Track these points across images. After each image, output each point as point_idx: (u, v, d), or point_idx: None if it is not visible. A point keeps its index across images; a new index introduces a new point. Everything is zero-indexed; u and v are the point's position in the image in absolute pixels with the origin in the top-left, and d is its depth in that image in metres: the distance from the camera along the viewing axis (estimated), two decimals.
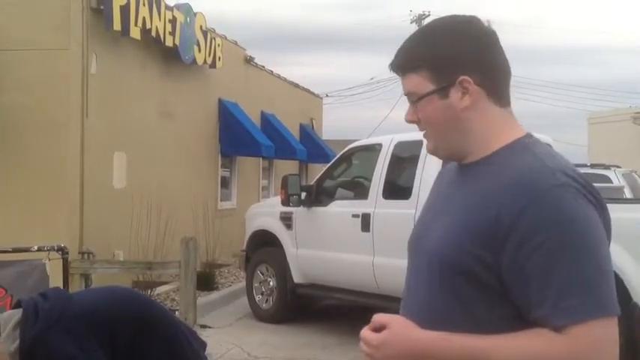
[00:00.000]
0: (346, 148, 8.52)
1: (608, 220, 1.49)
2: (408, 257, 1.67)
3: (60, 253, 4.05)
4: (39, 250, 4.01)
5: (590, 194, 1.44)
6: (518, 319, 1.42)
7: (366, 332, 1.52)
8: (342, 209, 7.79)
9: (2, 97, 8.62)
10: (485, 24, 1.58)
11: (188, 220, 10.70)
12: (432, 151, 1.64)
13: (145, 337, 2.49)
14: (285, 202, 8.17)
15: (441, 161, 6.69)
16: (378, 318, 1.51)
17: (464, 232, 1.47)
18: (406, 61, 1.60)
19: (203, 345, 2.72)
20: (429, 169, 7.02)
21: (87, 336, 2.35)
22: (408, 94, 1.61)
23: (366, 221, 7.37)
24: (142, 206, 9.41)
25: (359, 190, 7.97)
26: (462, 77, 1.53)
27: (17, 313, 2.37)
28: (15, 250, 4.05)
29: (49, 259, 4.06)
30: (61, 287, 4.39)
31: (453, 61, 1.54)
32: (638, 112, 20.26)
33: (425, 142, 1.65)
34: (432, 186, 1.77)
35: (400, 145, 7.57)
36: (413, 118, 1.62)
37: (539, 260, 1.38)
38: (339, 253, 7.64)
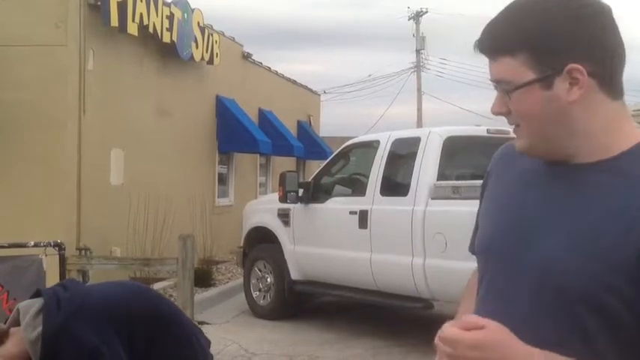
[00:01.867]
0: (344, 145, 8.52)
1: None
2: (491, 265, 1.42)
3: (56, 248, 4.04)
4: (35, 245, 4.00)
5: None
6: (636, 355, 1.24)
7: (453, 330, 1.23)
8: (339, 206, 7.79)
9: (3, 92, 8.61)
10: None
11: (185, 217, 10.70)
12: (525, 149, 1.36)
13: (160, 332, 2.51)
14: (283, 199, 8.16)
15: (438, 157, 6.55)
16: (472, 318, 1.26)
17: (595, 252, 1.23)
18: (500, 41, 1.32)
19: (208, 342, 2.74)
20: (426, 166, 7.03)
21: (107, 328, 2.36)
22: (499, 82, 1.34)
23: (363, 218, 7.37)
24: (140, 203, 9.41)
25: (356, 186, 7.97)
26: (571, 65, 1.27)
27: (36, 302, 2.36)
28: (11, 246, 4.05)
29: (46, 255, 4.05)
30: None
31: (562, 44, 1.28)
32: (636, 110, 20.27)
33: (513, 137, 1.40)
34: (491, 173, 1.53)
35: (398, 142, 7.57)
36: (502, 110, 1.35)
37: None
38: (336, 249, 7.64)
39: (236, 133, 13.34)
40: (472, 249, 1.58)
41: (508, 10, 1.33)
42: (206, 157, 13.13)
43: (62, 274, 4.28)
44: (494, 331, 1.22)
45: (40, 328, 2.30)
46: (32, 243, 3.98)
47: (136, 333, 2.43)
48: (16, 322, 2.39)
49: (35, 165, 8.57)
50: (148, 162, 10.44)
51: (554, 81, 1.28)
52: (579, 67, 1.27)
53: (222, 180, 14.21)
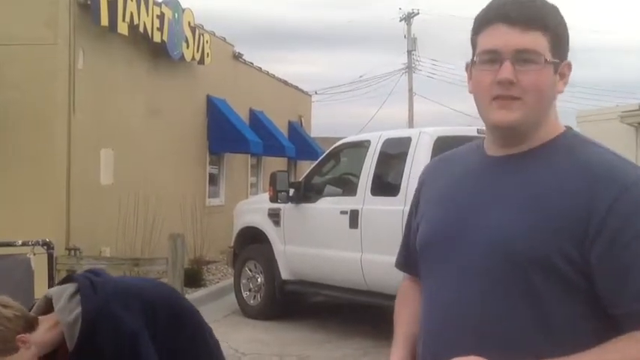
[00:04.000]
0: (334, 145, 8.52)
1: None
2: (435, 257, 1.52)
3: (45, 248, 3.99)
4: (23, 244, 3.96)
5: None
6: (596, 318, 1.35)
7: None
8: (330, 206, 7.78)
9: None
10: None
11: (176, 217, 10.66)
12: (514, 122, 1.43)
13: (180, 327, 2.53)
14: (274, 199, 8.15)
15: (429, 157, 6.63)
16: None
17: (542, 220, 1.36)
18: (538, 18, 1.43)
19: (217, 344, 2.76)
20: (417, 166, 7.02)
21: (138, 314, 2.36)
22: (526, 51, 1.41)
23: (354, 218, 7.36)
24: (130, 203, 9.37)
25: (347, 186, 7.96)
26: (567, 61, 1.48)
27: (68, 287, 2.36)
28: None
29: (35, 254, 4.00)
30: (46, 283, 4.35)
31: (567, 43, 1.48)
32: (625, 111, 20.38)
33: (496, 113, 1.45)
34: (423, 183, 1.67)
35: (388, 142, 7.57)
36: (512, 77, 1.41)
37: (636, 249, 1.31)
38: (327, 249, 7.63)
39: (227, 133, 13.31)
40: (400, 263, 1.74)
41: (540, 1, 1.46)
42: (197, 157, 13.09)
43: (51, 274, 4.25)
44: None
45: (78, 310, 2.29)
46: (20, 242, 3.93)
47: (160, 324, 2.45)
48: (42, 312, 2.38)
49: (24, 164, 8.52)
50: (139, 162, 10.40)
51: (557, 69, 1.45)
52: (571, 65, 1.47)
53: (213, 180, 14.18)
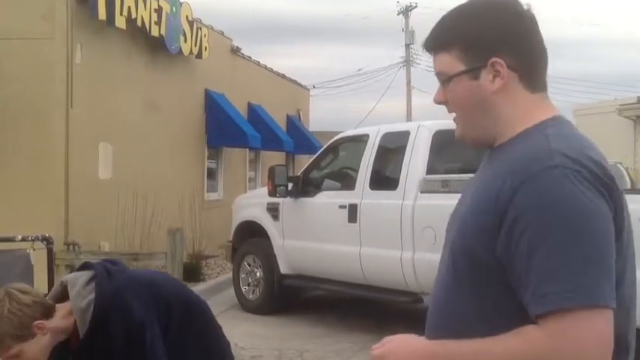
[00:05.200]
0: (333, 139, 8.51)
1: (621, 210, 1.39)
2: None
3: (44, 243, 4.01)
4: (23, 239, 3.97)
5: (597, 180, 1.35)
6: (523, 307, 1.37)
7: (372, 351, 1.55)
8: (328, 200, 7.78)
9: None
10: (525, 7, 1.51)
11: (174, 212, 10.66)
12: (460, 137, 1.57)
13: (191, 321, 2.55)
14: (272, 193, 8.15)
15: (427, 151, 6.61)
16: (385, 339, 1.55)
17: (471, 217, 1.44)
18: (438, 39, 1.54)
19: (228, 344, 2.77)
20: (415, 160, 7.03)
21: (150, 305, 2.38)
22: (438, 74, 1.55)
23: (352, 212, 7.36)
24: (128, 197, 9.36)
25: (346, 180, 7.96)
26: (494, 59, 1.47)
27: (84, 274, 2.37)
28: None
29: (34, 249, 4.02)
30: (46, 278, 4.36)
31: (486, 41, 1.48)
32: (623, 105, 20.37)
33: (454, 127, 1.59)
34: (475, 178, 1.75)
35: (387, 136, 7.57)
36: (441, 99, 1.56)
37: (524, 242, 1.33)
38: (325, 243, 7.63)
39: (225, 128, 13.30)
40: None
41: (448, 13, 1.56)
42: (195, 151, 13.08)
43: (50, 269, 4.26)
44: (394, 342, 1.51)
45: (91, 296, 2.31)
46: (20, 237, 3.95)
47: (173, 317, 2.46)
48: (59, 298, 2.38)
49: (22, 159, 8.51)
50: (137, 156, 10.40)
51: (480, 73, 1.48)
52: (500, 60, 1.46)
53: (212, 174, 14.17)
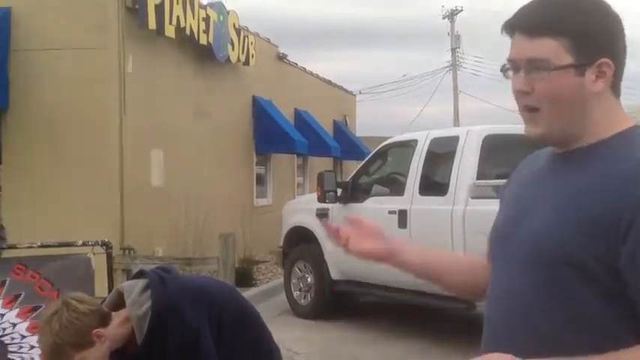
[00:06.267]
0: (381, 145, 8.51)
1: None
2: (493, 252, 1.58)
3: (104, 247, 4.08)
4: (83, 244, 4.05)
5: None
6: (631, 319, 1.32)
7: None
8: (378, 205, 7.77)
9: (45, 95, 8.79)
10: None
11: (225, 217, 10.78)
12: (540, 135, 1.45)
13: (243, 329, 2.57)
14: (322, 199, 8.19)
15: (477, 156, 6.54)
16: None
17: (575, 221, 1.35)
18: (546, 23, 1.40)
19: (278, 350, 2.80)
20: (465, 165, 6.98)
21: (203, 312, 2.42)
22: (532, 60, 1.41)
23: (402, 217, 7.34)
24: (180, 203, 9.51)
25: (395, 186, 7.94)
26: (603, 59, 1.39)
27: (139, 282, 2.42)
28: (60, 245, 4.11)
29: (94, 254, 4.10)
30: (105, 282, 4.46)
31: (600, 39, 1.40)
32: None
33: (525, 126, 1.46)
34: (510, 179, 1.68)
35: (436, 141, 7.53)
36: (526, 88, 1.42)
37: None
38: None
39: (273, 134, 13.40)
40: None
41: (550, 0, 1.44)
42: (244, 157, 13.21)
43: (110, 273, 4.34)
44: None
45: (148, 304, 2.35)
46: (80, 242, 4.03)
47: (225, 324, 2.49)
48: (114, 305, 2.44)
49: (79, 166, 8.72)
50: (187, 163, 10.55)
51: (586, 70, 1.39)
52: (610, 62, 1.39)
53: (260, 180, 14.29)
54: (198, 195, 10.00)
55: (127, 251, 7.35)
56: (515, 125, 7.87)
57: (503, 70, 1.48)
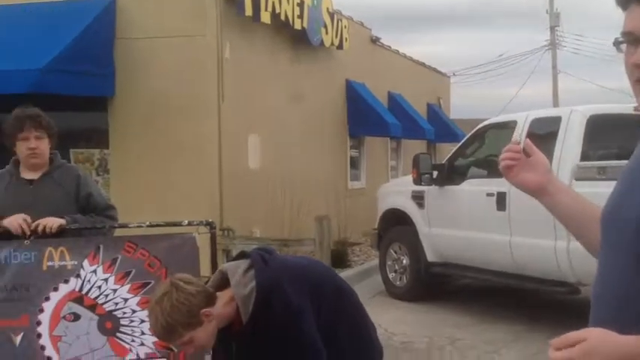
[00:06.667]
0: (479, 126, 8.36)
1: None
2: (601, 232, 1.52)
3: (208, 227, 4.19)
4: (189, 224, 4.18)
5: None
6: None
7: (559, 354, 1.30)
8: (475, 188, 7.65)
9: (148, 82, 9.10)
10: None
11: (319, 200, 10.88)
12: None
13: (341, 305, 2.63)
14: (417, 181, 8.14)
15: (581, 137, 6.33)
16: (572, 334, 1.31)
17: None
18: None
19: (374, 327, 2.83)
20: (568, 146, 6.77)
21: (304, 291, 2.49)
22: None
23: (501, 200, 7.20)
24: (276, 186, 9.68)
25: (493, 168, 7.76)
26: None
27: (242, 263, 2.52)
28: (167, 224, 4.25)
29: (199, 233, 4.21)
30: (208, 261, 4.59)
31: None
32: None
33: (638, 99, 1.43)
34: (633, 154, 1.61)
35: (536, 122, 7.33)
36: None
37: None
38: (473, 232, 7.52)
39: (367, 117, 13.40)
40: None
41: None
42: (338, 141, 13.28)
43: (213, 253, 4.45)
44: (596, 337, 1.28)
45: (252, 284, 2.44)
46: (186, 222, 4.15)
47: (324, 303, 2.55)
48: (218, 286, 2.53)
49: (180, 150, 9.00)
50: (283, 147, 10.70)
51: None
52: None
53: (354, 163, 14.33)
54: (294, 178, 10.14)
55: (226, 232, 7.54)
56: (621, 105, 7.56)
57: (617, 43, 1.42)
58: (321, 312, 2.54)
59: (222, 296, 2.49)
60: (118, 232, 4.23)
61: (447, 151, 13.64)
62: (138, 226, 4.05)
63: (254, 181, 9.79)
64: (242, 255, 2.60)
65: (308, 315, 2.48)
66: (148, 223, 4.10)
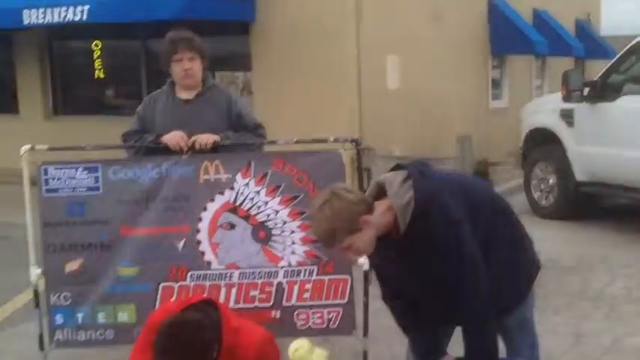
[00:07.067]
0: (635, 41, 7.81)
1: None
2: None
3: (353, 144, 4.21)
4: (335, 141, 4.21)
5: None
6: None
7: None
8: (632, 105, 7.23)
9: (286, 6, 9.19)
10: None
11: (460, 119, 10.70)
12: None
13: (497, 219, 2.62)
14: (567, 98, 7.80)
15: None
16: None
17: None
18: None
19: (531, 242, 2.79)
20: None
21: (462, 204, 2.50)
22: None
23: None
24: (416, 106, 9.59)
25: None
26: None
27: (398, 174, 2.55)
28: (314, 141, 4.31)
29: (344, 150, 4.25)
30: (353, 178, 4.65)
31: None
32: None
33: None
34: None
35: None
36: None
37: None
38: (629, 150, 7.14)
39: (509, 35, 12.84)
40: None
41: None
42: (479, 59, 12.86)
43: (359, 169, 4.50)
44: None
45: (410, 194, 2.46)
46: (332, 138, 4.18)
47: (480, 216, 2.54)
48: (374, 198, 2.57)
49: (320, 72, 9.08)
50: (423, 66, 10.51)
51: None
52: None
53: (496, 83, 13.87)
54: (434, 98, 9.99)
55: (366, 150, 7.59)
56: None
57: None
58: (478, 226, 2.52)
59: (380, 206, 2.52)
60: (266, 149, 4.35)
61: (596, 69, 12.90)
62: (286, 143, 4.15)
63: (393, 101, 9.73)
64: (398, 167, 2.61)
65: (466, 227, 2.47)
66: (295, 139, 4.18)
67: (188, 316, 2.64)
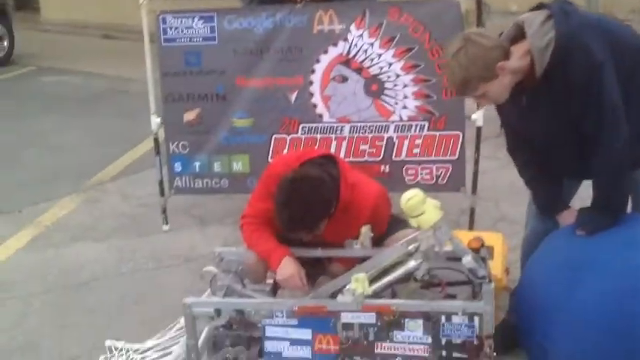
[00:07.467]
0: None
1: None
2: None
3: None
4: None
5: None
6: None
7: None
8: None
9: None
10: None
11: None
12: None
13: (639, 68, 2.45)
14: None
15: None
16: None
17: None
18: None
19: None
20: None
21: (606, 47, 2.36)
22: None
23: None
24: None
25: None
26: None
27: (539, 14, 2.42)
28: None
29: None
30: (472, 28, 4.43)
31: None
32: None
33: None
34: None
35: None
36: None
37: None
38: None
39: None
40: None
41: None
42: None
43: (479, 17, 4.31)
44: None
45: (551, 34, 2.33)
46: None
47: (623, 64, 2.38)
48: (512, 39, 2.43)
49: None
50: None
51: None
52: None
53: None
54: None
55: (482, 6, 7.22)
56: None
57: None
58: (620, 74, 2.36)
59: (517, 50, 2.39)
60: None
61: None
62: None
63: None
64: (539, 6, 2.43)
65: (610, 71, 2.31)
66: None
67: (309, 172, 2.65)
